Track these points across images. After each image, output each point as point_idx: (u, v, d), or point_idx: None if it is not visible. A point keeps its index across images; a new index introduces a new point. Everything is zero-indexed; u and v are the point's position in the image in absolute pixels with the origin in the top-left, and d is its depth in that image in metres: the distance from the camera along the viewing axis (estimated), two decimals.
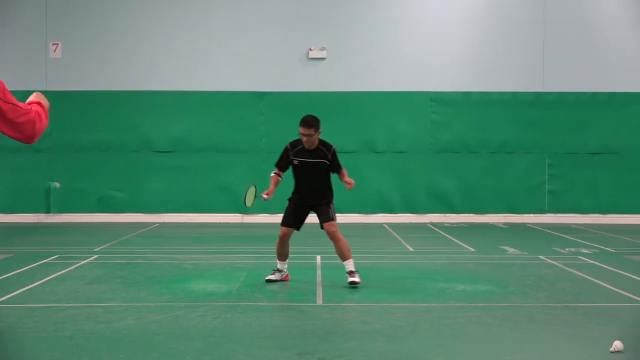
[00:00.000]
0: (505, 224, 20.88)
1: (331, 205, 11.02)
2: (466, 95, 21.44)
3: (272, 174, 11.04)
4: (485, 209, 21.43)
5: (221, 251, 15.01)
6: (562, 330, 8.31)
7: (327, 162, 10.92)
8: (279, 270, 11.32)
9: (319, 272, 12.18)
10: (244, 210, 21.01)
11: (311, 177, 10.95)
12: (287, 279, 11.40)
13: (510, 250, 15.11)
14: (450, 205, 21.43)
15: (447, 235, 17.99)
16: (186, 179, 21.19)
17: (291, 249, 11.30)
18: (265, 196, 10.80)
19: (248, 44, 21.43)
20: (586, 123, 21.44)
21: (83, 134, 21.11)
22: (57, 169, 21.09)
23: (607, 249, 15.42)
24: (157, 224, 20.39)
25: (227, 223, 20.91)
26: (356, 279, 10.90)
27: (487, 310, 9.35)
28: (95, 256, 13.93)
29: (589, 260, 13.61)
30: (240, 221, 21.10)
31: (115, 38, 21.37)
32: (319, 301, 9.96)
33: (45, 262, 13.08)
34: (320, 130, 10.88)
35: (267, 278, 11.29)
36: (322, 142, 10.97)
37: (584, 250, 15.07)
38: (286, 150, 11.05)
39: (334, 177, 11.17)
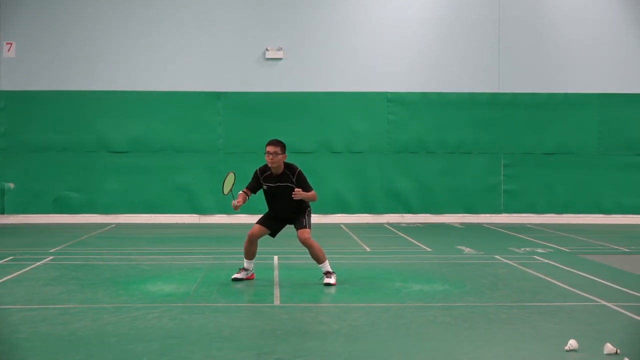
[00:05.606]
0: (461, 224, 20.99)
1: (306, 215, 11.16)
2: (423, 95, 21.53)
3: (241, 192, 11.07)
4: (441, 209, 21.54)
5: (178, 252, 14.95)
6: (518, 329, 8.38)
7: (294, 185, 10.98)
8: (245, 269, 11.37)
9: (276, 273, 12.17)
10: (201, 210, 20.99)
11: (281, 199, 11.08)
12: (252, 277, 11.47)
13: (467, 250, 15.20)
14: (407, 205, 21.51)
15: (404, 236, 18.06)
16: (143, 180, 21.04)
17: None
18: (235, 203, 10.86)
19: (205, 44, 21.35)
20: (542, 123, 21.63)
21: (38, 134, 20.89)
22: (11, 169, 20.82)
23: (562, 248, 15.56)
24: (113, 225, 20.24)
25: (184, 224, 20.81)
26: (331, 280, 11.06)
27: (444, 309, 9.40)
28: (51, 257, 13.79)
29: (545, 260, 13.74)
30: (198, 222, 21.01)
31: (70, 37, 21.15)
32: (277, 302, 9.95)
33: None
34: (285, 154, 10.99)
35: (233, 277, 11.38)
36: (287, 165, 11.07)
37: (540, 250, 15.21)
38: (256, 175, 11.17)
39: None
